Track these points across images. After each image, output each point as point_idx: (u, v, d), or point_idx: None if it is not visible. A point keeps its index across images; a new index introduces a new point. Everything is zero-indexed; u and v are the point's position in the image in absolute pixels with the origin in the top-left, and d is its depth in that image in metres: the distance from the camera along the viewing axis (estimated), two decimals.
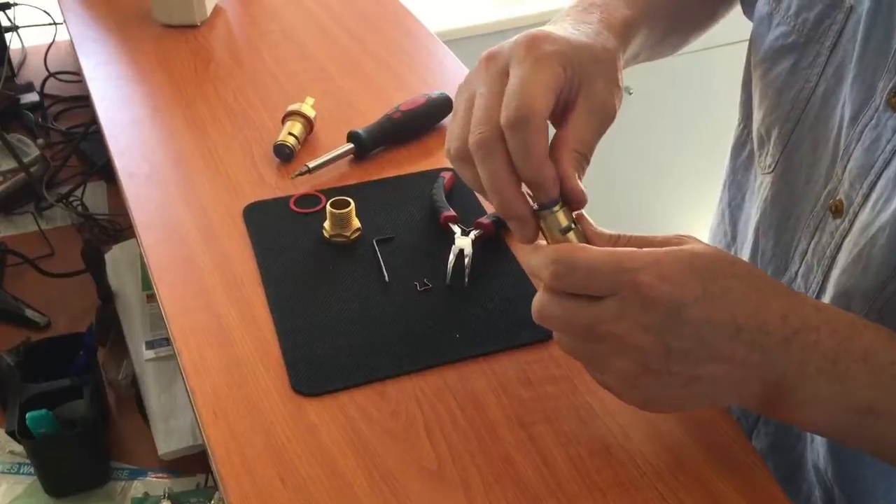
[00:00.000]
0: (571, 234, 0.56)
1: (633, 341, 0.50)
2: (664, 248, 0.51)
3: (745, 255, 0.73)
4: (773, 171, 0.68)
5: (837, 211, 0.61)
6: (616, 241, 0.54)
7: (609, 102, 0.58)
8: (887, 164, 0.56)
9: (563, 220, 0.56)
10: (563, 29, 0.59)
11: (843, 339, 0.50)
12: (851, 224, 0.59)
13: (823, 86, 0.62)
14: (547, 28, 0.59)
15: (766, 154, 0.69)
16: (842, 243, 0.60)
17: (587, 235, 0.56)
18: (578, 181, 0.56)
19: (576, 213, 0.56)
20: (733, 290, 0.50)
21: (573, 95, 0.57)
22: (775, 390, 0.51)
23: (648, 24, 0.68)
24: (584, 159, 0.57)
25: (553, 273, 0.52)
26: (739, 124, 0.75)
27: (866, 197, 0.58)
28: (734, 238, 0.78)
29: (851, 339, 0.50)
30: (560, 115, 0.58)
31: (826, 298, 0.61)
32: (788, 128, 0.65)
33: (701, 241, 0.53)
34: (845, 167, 0.60)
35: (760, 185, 0.70)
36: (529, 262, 0.54)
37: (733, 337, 0.50)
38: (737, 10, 0.78)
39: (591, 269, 0.51)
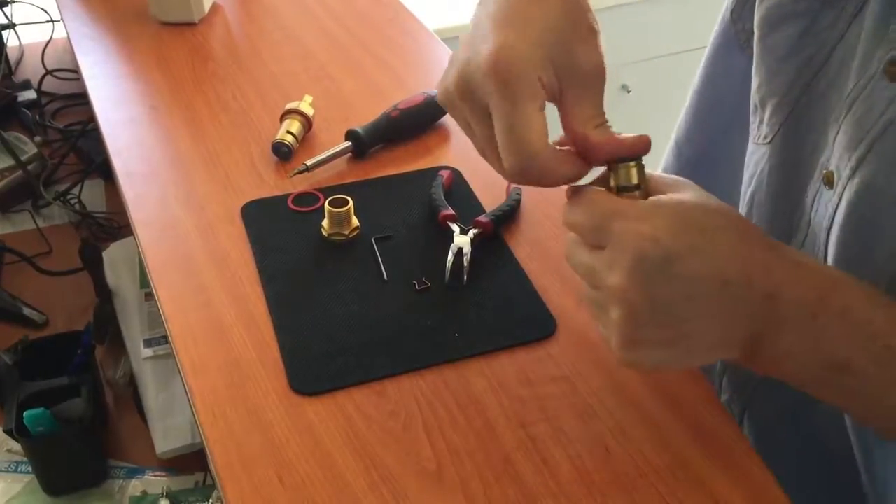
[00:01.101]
0: (640, 191, 0.54)
1: (622, 293, 0.51)
2: (658, 199, 0.52)
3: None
4: (770, 142, 0.66)
5: (829, 182, 0.60)
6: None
7: (595, 63, 0.55)
8: (877, 139, 0.54)
9: (633, 176, 0.55)
10: (518, 16, 0.55)
11: (822, 296, 0.50)
12: (840, 197, 0.58)
13: (842, 51, 0.60)
14: (500, 27, 0.54)
15: (761, 123, 0.67)
16: (834, 215, 0.59)
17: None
18: (619, 136, 0.55)
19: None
20: (722, 243, 0.50)
21: (562, 82, 0.55)
22: (756, 343, 0.52)
23: None
24: (603, 125, 0.56)
25: (565, 208, 0.54)
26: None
27: (854, 171, 0.56)
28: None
29: (831, 296, 0.50)
30: (558, 100, 0.56)
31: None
32: (794, 95, 0.63)
33: (697, 189, 0.54)
34: (835, 137, 0.58)
35: (752, 155, 0.69)
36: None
37: (720, 290, 0.50)
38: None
39: (590, 213, 0.53)
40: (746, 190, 0.70)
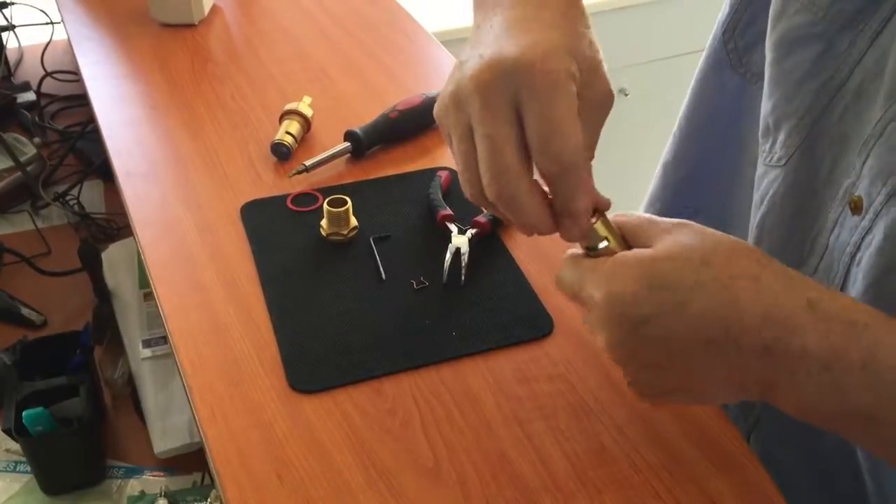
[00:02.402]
0: (610, 244, 0.54)
1: (612, 354, 0.51)
2: (624, 258, 0.50)
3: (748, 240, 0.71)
4: (784, 164, 0.65)
5: (857, 208, 0.57)
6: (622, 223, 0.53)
7: (605, 91, 0.54)
8: None
9: (601, 231, 0.54)
10: (540, 23, 0.53)
11: (836, 346, 0.46)
12: (872, 223, 0.56)
13: (861, 75, 0.58)
14: (522, 36, 0.52)
15: (775, 145, 0.65)
16: (861, 242, 0.57)
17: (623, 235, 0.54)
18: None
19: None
20: (696, 301, 0.48)
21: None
22: (769, 390, 0.50)
23: None
24: (590, 160, 0.55)
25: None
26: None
27: (889, 197, 0.54)
28: (725, 227, 0.76)
29: (847, 345, 0.46)
30: None
31: (851, 295, 0.58)
32: (810, 119, 0.62)
33: (687, 231, 0.51)
34: (864, 163, 0.56)
35: (762, 178, 0.67)
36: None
37: (705, 349, 0.48)
38: None
39: (568, 278, 0.53)
40: (757, 213, 0.69)
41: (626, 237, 0.53)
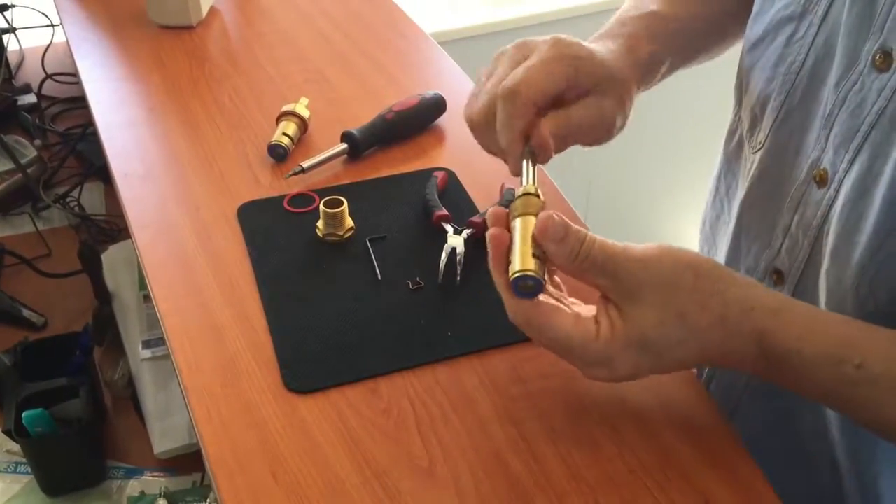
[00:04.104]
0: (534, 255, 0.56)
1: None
2: (615, 341, 0.54)
3: (728, 232, 0.74)
4: (761, 148, 0.68)
5: (822, 180, 0.61)
6: (576, 255, 0.54)
7: (609, 119, 0.63)
8: (872, 126, 0.56)
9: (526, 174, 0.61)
10: (594, 43, 0.65)
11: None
12: (837, 192, 0.59)
13: (813, 57, 0.62)
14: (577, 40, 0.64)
15: (759, 131, 0.69)
16: (828, 213, 0.60)
17: (548, 251, 0.56)
18: (548, 135, 0.61)
19: (543, 215, 0.56)
20: (676, 359, 0.55)
21: (580, 98, 0.62)
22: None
23: (669, 59, 0.71)
24: (559, 140, 0.62)
25: (515, 321, 0.57)
26: (734, 109, 0.76)
27: (851, 162, 0.58)
28: (726, 221, 0.78)
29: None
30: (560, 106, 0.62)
31: (816, 271, 0.62)
32: (780, 101, 0.65)
33: (662, 258, 0.54)
34: (829, 134, 0.60)
35: (750, 167, 0.70)
36: (507, 305, 0.56)
37: (681, 342, 0.54)
38: None
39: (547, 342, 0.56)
40: (738, 196, 0.72)
41: (611, 264, 0.54)
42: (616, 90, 0.64)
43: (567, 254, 0.54)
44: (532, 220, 0.56)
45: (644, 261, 0.53)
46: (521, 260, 0.54)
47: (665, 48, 0.70)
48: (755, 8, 0.69)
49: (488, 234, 0.56)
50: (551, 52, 0.61)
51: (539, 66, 0.61)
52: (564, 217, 0.55)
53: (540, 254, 0.55)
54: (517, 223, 0.57)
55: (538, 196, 0.58)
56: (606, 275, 0.54)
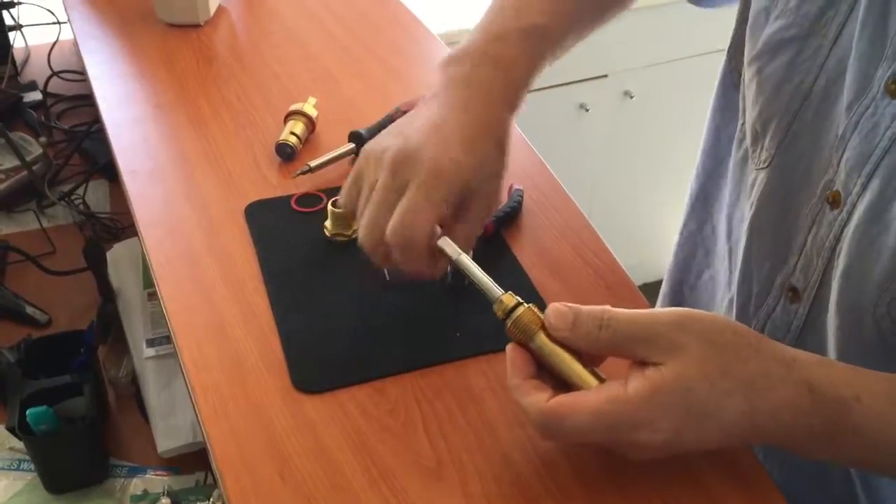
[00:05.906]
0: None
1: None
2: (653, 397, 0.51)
3: (738, 254, 0.73)
4: (768, 166, 0.68)
5: (835, 202, 0.61)
6: (596, 335, 0.53)
7: (493, 204, 0.66)
8: (886, 151, 0.56)
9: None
10: (460, 132, 0.63)
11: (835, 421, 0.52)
12: (850, 214, 0.59)
13: (825, 78, 0.62)
14: (441, 143, 0.62)
15: (762, 149, 0.69)
16: (841, 234, 0.60)
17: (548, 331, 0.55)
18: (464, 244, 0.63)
19: (548, 311, 0.55)
20: (686, 424, 0.51)
21: (464, 203, 0.63)
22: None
23: (562, 29, 0.71)
24: (469, 247, 0.64)
25: (540, 430, 0.54)
26: (740, 117, 0.76)
27: (864, 186, 0.58)
28: (729, 237, 0.78)
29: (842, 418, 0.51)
30: (451, 215, 0.63)
31: (830, 290, 0.62)
32: (787, 121, 0.65)
33: (702, 318, 0.53)
34: (841, 157, 0.60)
35: (754, 182, 0.70)
36: (520, 401, 0.55)
37: (699, 423, 0.51)
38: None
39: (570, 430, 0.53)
40: (747, 216, 0.71)
41: (643, 331, 0.53)
42: (490, 183, 0.64)
43: (584, 336, 0.53)
44: (545, 339, 0.55)
45: (679, 323, 0.52)
46: (582, 380, 0.54)
47: (556, 19, 0.70)
48: (750, 20, 0.68)
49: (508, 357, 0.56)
50: (427, 189, 0.60)
51: (420, 210, 0.60)
52: (572, 304, 0.54)
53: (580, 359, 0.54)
54: (541, 350, 0.55)
55: (521, 304, 0.56)
56: (640, 341, 0.52)
